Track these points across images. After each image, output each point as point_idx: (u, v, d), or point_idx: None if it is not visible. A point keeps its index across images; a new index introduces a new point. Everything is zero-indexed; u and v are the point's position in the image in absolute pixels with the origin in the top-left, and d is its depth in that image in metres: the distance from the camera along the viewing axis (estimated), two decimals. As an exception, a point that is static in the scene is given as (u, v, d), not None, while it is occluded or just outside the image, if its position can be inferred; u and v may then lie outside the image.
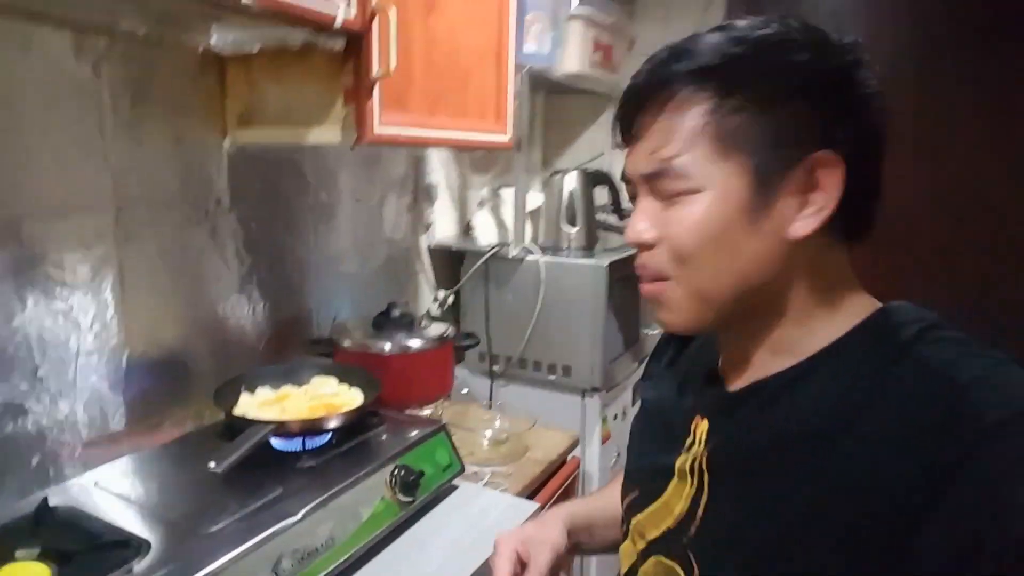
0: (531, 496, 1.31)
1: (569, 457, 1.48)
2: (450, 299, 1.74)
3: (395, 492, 1.00)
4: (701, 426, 0.61)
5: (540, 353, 1.68)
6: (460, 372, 1.74)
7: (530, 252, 1.62)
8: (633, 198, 0.60)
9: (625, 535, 0.68)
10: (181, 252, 1.16)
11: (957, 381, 0.47)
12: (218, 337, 1.24)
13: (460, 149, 1.52)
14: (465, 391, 1.58)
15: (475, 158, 1.87)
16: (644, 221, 0.58)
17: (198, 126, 1.16)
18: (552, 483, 1.37)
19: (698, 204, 0.54)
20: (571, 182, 1.62)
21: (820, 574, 0.49)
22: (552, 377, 1.68)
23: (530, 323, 1.64)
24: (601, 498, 0.85)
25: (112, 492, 0.91)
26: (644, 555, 0.64)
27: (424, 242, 1.72)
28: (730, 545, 0.55)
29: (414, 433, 1.11)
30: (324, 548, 0.87)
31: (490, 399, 1.71)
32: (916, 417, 0.47)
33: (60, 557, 0.77)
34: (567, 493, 1.47)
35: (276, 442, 1.01)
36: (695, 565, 0.57)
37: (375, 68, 1.01)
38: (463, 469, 1.15)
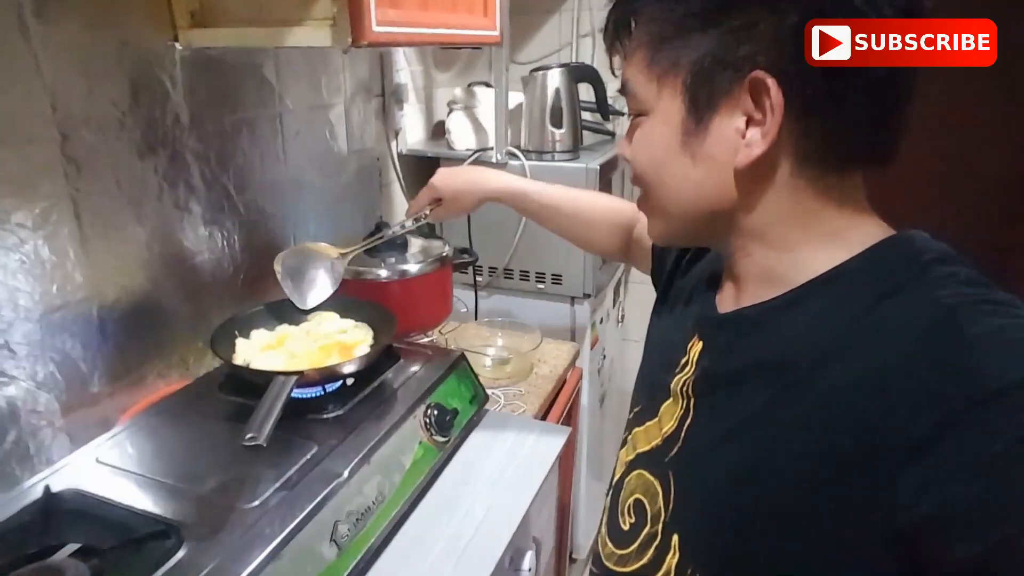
0: (546, 412, 1.28)
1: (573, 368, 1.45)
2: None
3: (431, 434, 0.93)
4: (695, 347, 0.61)
5: (528, 262, 1.61)
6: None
7: (515, 156, 1.51)
8: None
9: (624, 442, 0.70)
10: (141, 182, 0.99)
11: (964, 331, 0.42)
12: (192, 276, 1.10)
13: (451, 47, 1.35)
14: (464, 310, 1.50)
15: (437, 56, 1.70)
16: (625, 138, 0.60)
17: (144, 26, 0.96)
18: (562, 397, 1.34)
19: (646, 126, 0.55)
20: (555, 80, 1.48)
21: (783, 507, 0.48)
22: (541, 286, 1.62)
23: (517, 232, 1.56)
24: (552, 187, 1.03)
25: (120, 468, 0.80)
26: (631, 466, 0.66)
27: (395, 149, 1.56)
28: (703, 468, 0.55)
29: (436, 367, 1.03)
30: (376, 504, 0.81)
31: (475, 312, 1.64)
32: (911, 360, 0.43)
33: (85, 556, 0.68)
34: (575, 404, 1.45)
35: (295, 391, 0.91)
36: (671, 484, 0.59)
37: (369, -48, 0.84)
38: (487, 398, 1.09)
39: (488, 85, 1.69)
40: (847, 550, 0.45)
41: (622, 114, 1.88)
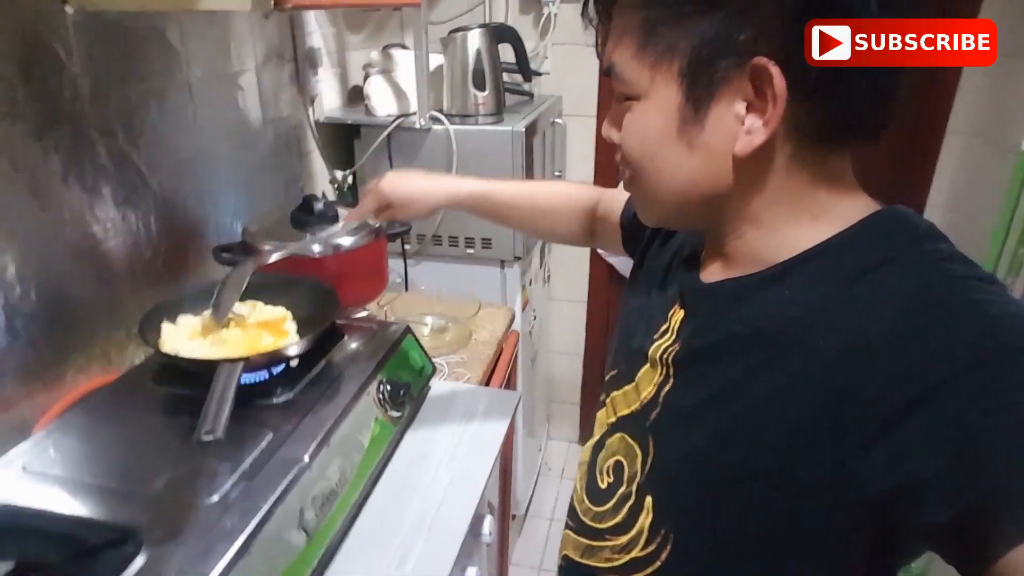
0: (489, 377, 1.28)
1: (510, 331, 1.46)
2: (349, 179, 1.56)
3: (386, 410, 0.92)
4: (677, 316, 0.62)
5: (456, 228, 1.59)
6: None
7: (438, 121, 1.47)
8: None
9: (603, 404, 0.71)
10: (42, 164, 0.90)
11: (948, 305, 0.44)
12: (106, 262, 1.01)
13: (371, 7, 1.26)
14: (399, 280, 1.47)
15: (349, 16, 1.61)
16: (608, 120, 0.58)
17: (31, -12, 0.86)
18: (502, 362, 1.35)
19: (638, 112, 0.53)
20: (475, 40, 1.45)
21: (758, 473, 0.50)
22: (471, 251, 1.61)
23: (444, 199, 1.53)
24: (507, 183, 0.95)
25: (53, 476, 0.74)
26: (613, 428, 0.66)
27: (312, 117, 1.49)
28: (683, 434, 0.56)
29: (381, 341, 1.01)
30: (340, 487, 0.79)
31: (405, 280, 1.61)
32: (895, 333, 0.44)
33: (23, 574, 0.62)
34: (514, 367, 1.46)
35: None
36: (651, 449, 0.60)
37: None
38: (435, 370, 1.08)
39: (403, 47, 1.63)
40: (819, 516, 0.47)
41: (541, 75, 1.87)
